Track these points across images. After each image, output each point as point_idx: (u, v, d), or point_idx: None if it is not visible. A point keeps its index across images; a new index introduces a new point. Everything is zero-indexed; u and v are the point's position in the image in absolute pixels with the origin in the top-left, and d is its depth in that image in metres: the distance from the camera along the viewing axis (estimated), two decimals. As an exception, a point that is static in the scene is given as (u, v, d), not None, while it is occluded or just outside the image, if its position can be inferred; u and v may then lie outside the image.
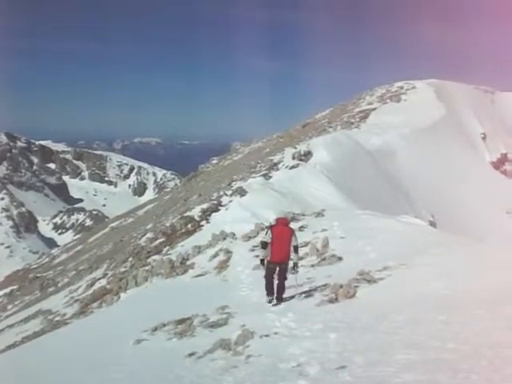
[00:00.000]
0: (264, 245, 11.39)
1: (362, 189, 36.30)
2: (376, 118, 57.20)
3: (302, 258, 12.65)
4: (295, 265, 11.72)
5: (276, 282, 11.61)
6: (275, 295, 11.54)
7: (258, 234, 21.01)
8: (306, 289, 12.44)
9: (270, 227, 11.68)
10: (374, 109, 61.25)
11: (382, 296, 10.28)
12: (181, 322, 11.80)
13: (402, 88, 68.67)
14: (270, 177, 34.77)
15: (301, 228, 21.23)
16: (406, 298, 9.77)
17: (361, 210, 25.45)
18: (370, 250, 15.36)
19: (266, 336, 9.17)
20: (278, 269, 11.46)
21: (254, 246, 19.31)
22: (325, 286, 12.13)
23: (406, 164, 48.56)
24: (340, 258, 15.18)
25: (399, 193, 43.06)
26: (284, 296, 11.84)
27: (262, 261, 11.68)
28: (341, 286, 11.06)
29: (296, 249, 11.48)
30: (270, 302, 11.60)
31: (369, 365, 6.66)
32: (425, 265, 12.01)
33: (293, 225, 21.88)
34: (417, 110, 60.08)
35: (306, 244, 17.90)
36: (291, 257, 11.55)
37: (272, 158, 41.64)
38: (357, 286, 11.06)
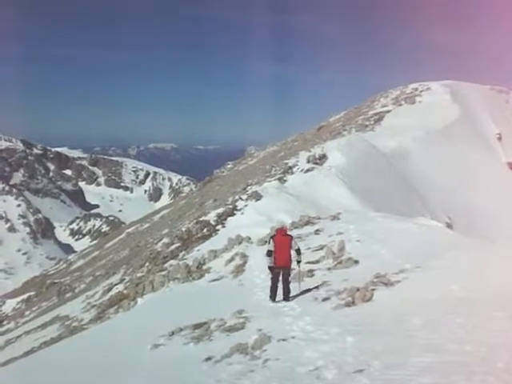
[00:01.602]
0: (269, 253, 12.98)
1: (377, 191, 36.17)
2: (391, 120, 56.97)
3: (301, 259, 13.39)
4: (298, 262, 13.27)
5: (281, 285, 12.95)
6: (282, 297, 12.83)
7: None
8: (323, 292, 12.43)
9: (272, 237, 13.18)
10: (389, 111, 60.97)
11: (398, 299, 10.26)
12: (198, 326, 11.82)
13: (416, 89, 68.20)
14: (285, 180, 34.76)
15: (316, 231, 21.21)
16: (422, 300, 9.74)
17: (377, 213, 25.35)
18: (386, 252, 15.31)
19: (283, 340, 9.19)
20: (281, 273, 12.92)
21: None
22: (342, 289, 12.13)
23: (422, 166, 48.29)
24: (356, 261, 15.12)
25: (415, 195, 42.82)
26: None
27: (269, 267, 13.16)
28: (357, 290, 11.05)
29: (298, 251, 13.13)
30: (272, 302, 12.90)
31: (386, 368, 6.66)
32: (442, 267, 11.97)
33: (309, 228, 21.98)
34: (432, 112, 59.75)
35: (322, 247, 17.87)
36: (294, 257, 13.10)
37: (287, 161, 41.61)
38: (374, 289, 11.04)
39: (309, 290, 13.07)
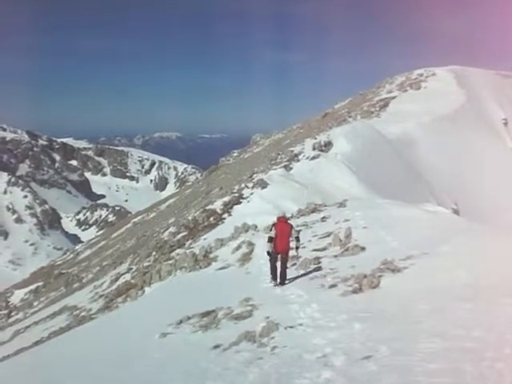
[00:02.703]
0: (270, 239, 13.79)
1: (383, 178, 36.12)
2: (396, 106, 56.82)
3: (299, 246, 14.31)
4: (297, 247, 14.09)
5: (279, 270, 13.75)
6: (278, 280, 13.69)
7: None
8: (330, 279, 12.43)
9: (273, 225, 13.93)
10: (394, 97, 60.80)
11: (405, 285, 10.25)
12: (205, 314, 11.86)
13: (421, 75, 67.94)
14: (291, 168, 34.76)
15: (323, 219, 21.20)
16: (429, 286, 9.73)
17: (383, 200, 25.33)
18: (392, 239, 15.29)
19: (291, 327, 9.20)
20: (280, 257, 13.76)
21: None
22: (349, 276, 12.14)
23: (427, 152, 48.16)
24: (363, 248, 15.11)
25: (421, 181, 42.74)
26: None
27: (268, 252, 13.97)
28: (365, 276, 11.05)
29: (297, 238, 14.03)
30: (274, 285, 13.66)
31: (394, 354, 6.67)
32: (448, 253, 11.94)
33: (315, 215, 21.98)
34: (437, 97, 59.52)
35: (329, 234, 17.88)
36: (293, 244, 13.96)
37: (292, 149, 41.59)
38: (380, 276, 11.03)
39: (316, 278, 13.08)
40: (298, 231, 14.88)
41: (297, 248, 14.08)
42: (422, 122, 52.10)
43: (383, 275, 11.13)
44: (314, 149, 38.06)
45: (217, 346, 9.26)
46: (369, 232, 17.00)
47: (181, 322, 11.87)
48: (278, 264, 13.79)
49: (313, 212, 23.30)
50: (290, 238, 13.84)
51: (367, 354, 6.90)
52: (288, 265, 14.11)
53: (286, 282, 13.65)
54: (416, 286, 10.09)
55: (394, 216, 18.73)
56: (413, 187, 39.22)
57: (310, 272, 13.98)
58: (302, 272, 14.19)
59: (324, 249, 16.55)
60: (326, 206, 24.34)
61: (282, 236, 13.67)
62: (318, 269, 14.13)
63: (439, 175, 45.65)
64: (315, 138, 40.99)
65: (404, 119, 51.18)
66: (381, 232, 16.48)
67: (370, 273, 11.30)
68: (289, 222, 14.38)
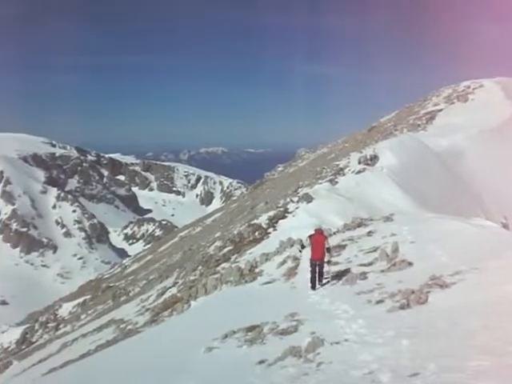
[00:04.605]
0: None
1: (430, 192, 35.64)
2: (443, 119, 56.12)
3: (330, 258, 16.12)
4: (329, 261, 15.88)
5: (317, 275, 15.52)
6: (317, 284, 15.40)
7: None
8: (376, 295, 12.29)
9: (310, 236, 15.93)
10: (441, 110, 60.05)
11: (454, 301, 10.07)
12: (251, 329, 11.84)
13: (468, 87, 66.95)
14: (337, 182, 34.55)
15: (369, 233, 20.98)
16: (479, 302, 9.54)
17: (430, 214, 24.95)
18: (441, 254, 15.03)
19: (337, 343, 9.12)
20: (317, 264, 15.44)
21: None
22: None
23: (475, 165, 47.34)
24: (410, 263, 14.89)
25: (469, 195, 42.01)
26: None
27: (310, 261, 15.65)
28: (412, 292, 10.90)
29: (328, 249, 15.77)
30: (311, 289, 15.25)
31: (442, 371, 6.54)
32: (498, 268, 11.69)
33: (361, 230, 21.80)
34: (485, 110, 58.54)
35: (375, 249, 17.67)
36: (326, 255, 15.65)
37: (338, 163, 41.39)
38: (429, 292, 10.86)
39: (362, 293, 12.95)
40: (328, 242, 16.29)
41: (328, 262, 15.82)
42: (470, 134, 51.27)
43: (431, 291, 10.95)
44: (359, 162, 37.80)
45: (262, 361, 9.24)
46: (416, 247, 16.75)
47: (226, 336, 11.88)
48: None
49: (359, 226, 23.08)
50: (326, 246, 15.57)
51: (415, 371, 6.79)
52: (334, 280, 15.38)
53: (323, 286, 15.38)
54: (465, 301, 9.90)
55: (442, 230, 18.41)
56: (461, 200, 38.58)
57: (356, 287, 13.84)
58: (348, 287, 14.07)
59: (370, 264, 16.36)
60: (372, 220, 24.09)
61: (317, 245, 15.48)
62: (365, 284, 13.99)
63: (488, 188, 44.77)
64: (361, 152, 40.71)
65: (451, 132, 50.46)
66: (429, 247, 16.22)
67: (417, 288, 11.14)
68: (324, 233, 16.13)
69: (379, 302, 11.58)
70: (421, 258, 15.10)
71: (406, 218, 23.32)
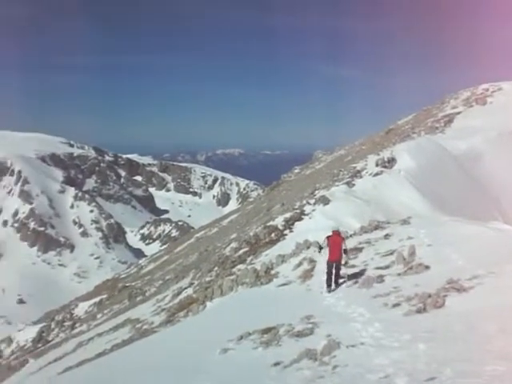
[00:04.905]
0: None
1: (448, 195, 35.42)
2: (461, 121, 55.71)
3: (347, 260, 16.72)
4: (346, 262, 16.41)
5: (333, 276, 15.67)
6: (333, 286, 15.52)
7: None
8: (393, 298, 12.23)
9: (327, 237, 16.04)
10: (459, 113, 59.63)
11: (471, 305, 9.99)
12: (266, 331, 11.83)
13: (487, 90, 66.35)
14: (354, 184, 34.41)
15: (386, 236, 20.88)
16: (496, 307, 9.46)
17: (448, 217, 24.79)
18: (458, 257, 14.92)
19: (353, 346, 9.08)
20: (334, 265, 15.57)
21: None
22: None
23: (494, 168, 46.92)
24: (427, 267, 14.80)
25: (487, 198, 41.67)
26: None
27: (327, 262, 15.83)
28: (429, 296, 10.83)
29: (346, 251, 15.93)
30: (328, 292, 15.35)
31: (458, 376, 6.50)
32: (516, 273, 11.59)
33: (378, 233, 21.71)
34: (504, 113, 58.00)
35: (392, 252, 17.58)
36: (343, 256, 15.87)
37: (355, 165, 41.22)
38: (445, 296, 10.79)
39: (378, 296, 12.89)
40: (346, 243, 16.46)
41: (345, 263, 16.32)
42: (488, 137, 50.82)
43: (448, 295, 10.88)
44: (377, 165, 37.63)
45: (277, 363, 9.22)
46: (433, 250, 16.64)
47: (242, 337, 11.88)
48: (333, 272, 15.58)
49: (376, 229, 22.99)
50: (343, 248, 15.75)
51: (431, 375, 6.74)
52: (350, 283, 15.35)
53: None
54: (482, 306, 9.82)
55: (460, 234, 18.28)
56: (479, 204, 38.29)
57: (373, 290, 13.78)
58: (365, 290, 14.01)
59: (387, 267, 16.28)
60: (389, 223, 23.97)
61: (335, 247, 15.65)
62: (381, 287, 13.92)
63: (506, 191, 44.35)
64: (378, 155, 40.52)
65: (470, 135, 50.08)
66: (446, 250, 16.11)
67: (434, 292, 11.07)
68: (341, 235, 16.34)
69: (396, 305, 11.53)
70: (438, 261, 15.00)
71: (424, 221, 23.20)
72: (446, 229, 19.82)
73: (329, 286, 15.57)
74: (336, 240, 15.86)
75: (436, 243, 17.35)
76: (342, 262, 15.94)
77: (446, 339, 8.25)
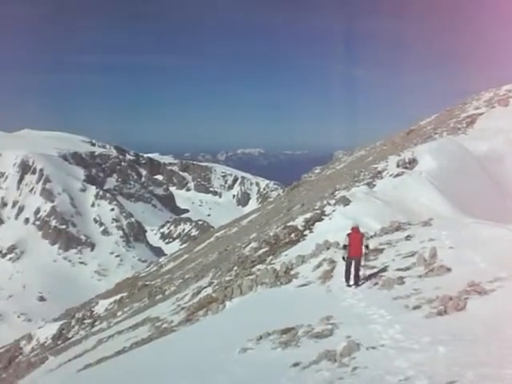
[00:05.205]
0: (345, 247, 16.53)
1: (470, 197, 35.12)
2: (484, 122, 55.23)
3: (368, 251, 16.77)
4: (366, 254, 16.54)
5: (353, 272, 16.01)
6: (352, 281, 15.91)
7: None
8: (414, 300, 12.16)
9: (348, 234, 16.39)
10: (482, 113, 59.16)
11: (493, 308, 9.91)
12: (285, 331, 11.82)
13: (510, 91, 65.70)
14: (374, 185, 34.27)
15: (407, 237, 20.76)
16: (519, 310, 9.38)
17: (470, 219, 24.59)
18: (480, 260, 14.80)
19: (373, 348, 9.05)
20: (353, 262, 15.95)
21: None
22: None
23: (517, 170, 46.50)
24: (449, 269, 14.69)
25: (509, 200, 41.28)
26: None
27: (343, 257, 16.57)
28: (450, 298, 10.75)
29: (367, 246, 16.43)
30: (348, 286, 15.93)
31: (479, 380, 6.45)
32: (539, 276, 11.47)
33: (399, 234, 21.61)
34: (527, 114, 57.51)
35: (413, 254, 17.47)
36: (363, 251, 16.25)
37: (376, 166, 41.06)
38: (467, 298, 10.71)
39: (399, 298, 12.82)
40: (368, 238, 17.80)
41: (365, 254, 16.45)
42: (511, 138, 50.40)
43: (470, 297, 10.80)
44: (398, 166, 37.44)
45: (296, 364, 9.21)
46: (455, 252, 16.51)
47: (261, 337, 11.87)
48: (352, 268, 15.95)
49: (397, 230, 22.86)
50: (362, 246, 16.16)
51: (451, 378, 6.69)
52: (371, 284, 15.32)
53: (359, 285, 15.77)
54: (504, 309, 9.74)
55: (482, 236, 18.12)
56: (501, 206, 37.94)
57: (393, 292, 13.71)
58: (385, 291, 13.95)
59: (408, 268, 16.18)
60: (410, 224, 23.82)
61: (355, 243, 16.08)
62: (402, 289, 13.85)
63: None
64: (399, 155, 40.32)
65: (492, 136, 49.64)
66: (468, 252, 15.98)
67: (455, 295, 10.98)
68: (360, 231, 16.69)
69: (416, 307, 11.45)
70: (459, 263, 14.88)
71: (445, 222, 23.03)
72: (468, 231, 19.65)
73: (347, 278, 16.09)
74: (356, 237, 16.30)
75: (458, 245, 17.22)
76: (363, 255, 16.37)
77: (467, 342, 8.19)
